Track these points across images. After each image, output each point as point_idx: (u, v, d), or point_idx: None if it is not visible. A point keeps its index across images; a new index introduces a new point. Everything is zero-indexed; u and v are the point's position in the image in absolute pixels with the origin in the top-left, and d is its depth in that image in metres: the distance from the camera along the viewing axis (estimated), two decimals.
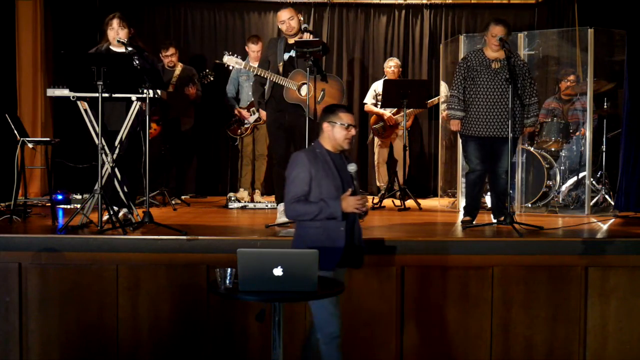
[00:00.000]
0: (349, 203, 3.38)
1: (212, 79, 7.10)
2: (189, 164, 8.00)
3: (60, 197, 6.56)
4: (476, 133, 5.16)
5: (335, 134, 3.48)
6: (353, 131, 3.51)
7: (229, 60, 5.32)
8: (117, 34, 5.09)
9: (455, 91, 5.22)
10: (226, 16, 8.48)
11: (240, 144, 7.13)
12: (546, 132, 6.54)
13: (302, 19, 5.43)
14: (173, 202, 6.74)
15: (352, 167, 3.50)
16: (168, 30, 8.36)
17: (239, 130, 7.05)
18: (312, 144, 3.60)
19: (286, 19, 5.20)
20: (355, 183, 3.50)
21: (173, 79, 7.00)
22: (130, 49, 4.95)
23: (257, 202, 6.71)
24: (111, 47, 5.20)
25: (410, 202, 6.68)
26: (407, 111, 6.87)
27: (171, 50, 7.02)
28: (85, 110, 4.89)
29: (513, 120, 4.98)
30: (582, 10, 7.82)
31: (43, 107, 7.48)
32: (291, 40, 5.23)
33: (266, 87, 5.32)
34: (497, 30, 5.07)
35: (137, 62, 4.83)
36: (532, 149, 6.58)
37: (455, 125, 5.26)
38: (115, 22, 5.12)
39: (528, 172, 6.55)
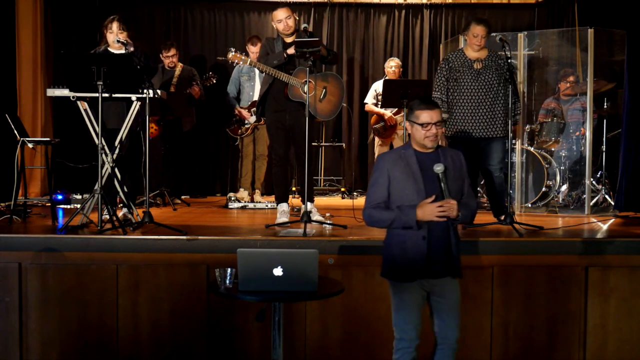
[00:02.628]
0: (426, 211, 3.09)
1: (214, 81, 7.08)
2: (189, 164, 8.00)
3: (60, 197, 6.56)
4: (462, 134, 5.14)
5: (415, 133, 3.23)
6: (434, 129, 3.17)
7: (233, 57, 5.32)
8: (116, 37, 5.07)
9: (438, 93, 5.18)
10: (226, 16, 8.49)
11: (241, 144, 7.13)
12: (546, 132, 6.54)
13: (297, 18, 5.43)
14: (173, 202, 6.74)
15: (438, 168, 3.13)
16: (168, 30, 8.37)
17: (240, 130, 7.04)
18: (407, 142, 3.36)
19: (283, 18, 5.19)
20: (442, 186, 3.13)
21: (173, 79, 7.00)
22: (131, 49, 4.94)
23: (257, 202, 6.71)
24: (109, 49, 5.19)
25: None
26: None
27: (172, 51, 7.01)
28: (85, 110, 4.88)
29: (512, 120, 4.98)
30: (582, 10, 7.82)
31: (43, 107, 7.48)
32: (288, 40, 5.23)
33: (260, 87, 5.29)
34: (478, 30, 5.06)
35: (141, 59, 4.84)
36: (532, 149, 6.57)
37: None
38: (115, 26, 5.10)
39: (528, 172, 6.54)
